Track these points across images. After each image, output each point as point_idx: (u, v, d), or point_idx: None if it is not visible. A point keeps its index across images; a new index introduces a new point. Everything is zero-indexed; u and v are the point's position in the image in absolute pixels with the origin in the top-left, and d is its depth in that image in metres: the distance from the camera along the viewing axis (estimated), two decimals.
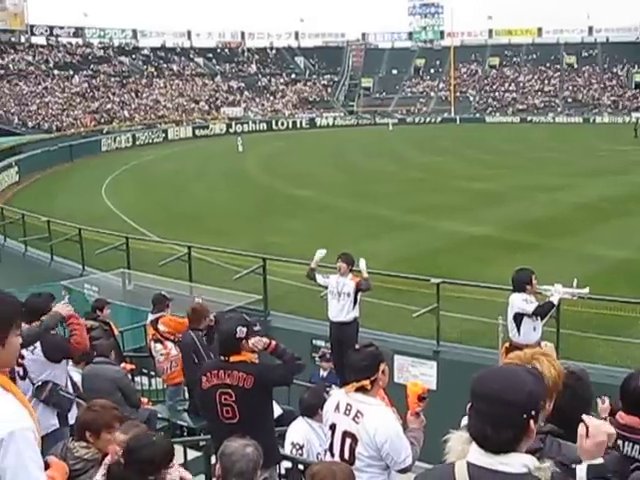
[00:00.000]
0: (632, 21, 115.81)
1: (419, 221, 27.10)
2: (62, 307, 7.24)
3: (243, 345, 6.10)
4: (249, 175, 45.13)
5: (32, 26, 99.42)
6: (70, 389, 7.43)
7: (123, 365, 9.71)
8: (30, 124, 74.22)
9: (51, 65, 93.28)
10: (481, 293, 13.99)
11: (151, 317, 11.07)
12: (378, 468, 5.07)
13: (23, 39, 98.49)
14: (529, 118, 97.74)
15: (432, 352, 12.89)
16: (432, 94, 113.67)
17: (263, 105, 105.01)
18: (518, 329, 9.99)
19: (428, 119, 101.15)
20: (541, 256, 19.90)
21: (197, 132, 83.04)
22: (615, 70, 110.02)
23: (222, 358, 6.15)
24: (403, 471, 5.09)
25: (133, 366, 10.71)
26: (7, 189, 42.44)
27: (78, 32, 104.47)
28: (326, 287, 12.10)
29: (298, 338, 13.39)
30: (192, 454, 7.43)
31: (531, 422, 2.68)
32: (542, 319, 10.10)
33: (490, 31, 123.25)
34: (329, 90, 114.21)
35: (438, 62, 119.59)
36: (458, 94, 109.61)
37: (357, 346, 5.28)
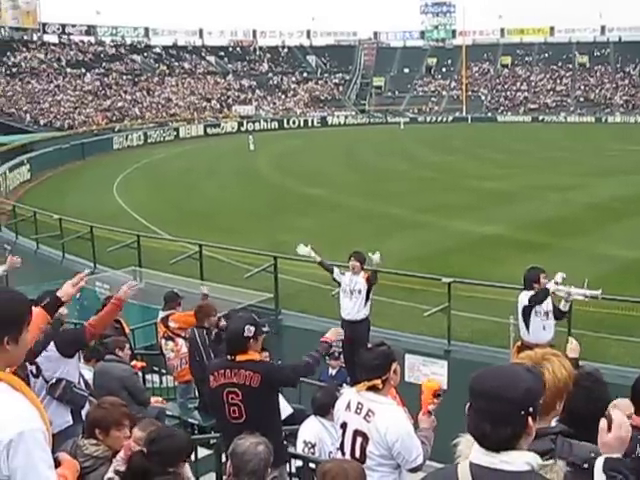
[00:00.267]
0: None
1: (431, 220, 27.06)
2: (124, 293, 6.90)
3: (250, 344, 6.09)
4: (260, 173, 45.14)
5: (44, 24, 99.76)
6: (83, 386, 7.45)
7: (133, 363, 9.71)
8: (42, 122, 74.41)
9: (63, 63, 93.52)
10: (492, 292, 13.94)
11: (162, 314, 11.09)
12: (389, 467, 5.06)
13: (35, 37, 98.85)
14: (541, 117, 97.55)
15: (443, 351, 12.86)
16: (444, 93, 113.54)
17: (275, 104, 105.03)
18: (527, 327, 10.11)
19: (440, 118, 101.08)
20: (552, 256, 19.82)
21: (208, 130, 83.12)
22: (627, 69, 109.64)
23: (229, 357, 6.13)
24: (414, 470, 5.08)
25: (143, 364, 10.73)
26: (19, 187, 42.58)
27: (90, 30, 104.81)
28: (339, 283, 12.14)
29: (309, 336, 13.34)
30: (202, 452, 7.43)
31: (529, 419, 2.71)
32: (557, 318, 10.14)
33: (502, 30, 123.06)
34: (341, 89, 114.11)
35: (450, 61, 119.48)
36: (470, 93, 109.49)
37: (369, 345, 5.27)
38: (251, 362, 6.06)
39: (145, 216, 29.54)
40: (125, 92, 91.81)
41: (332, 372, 11.52)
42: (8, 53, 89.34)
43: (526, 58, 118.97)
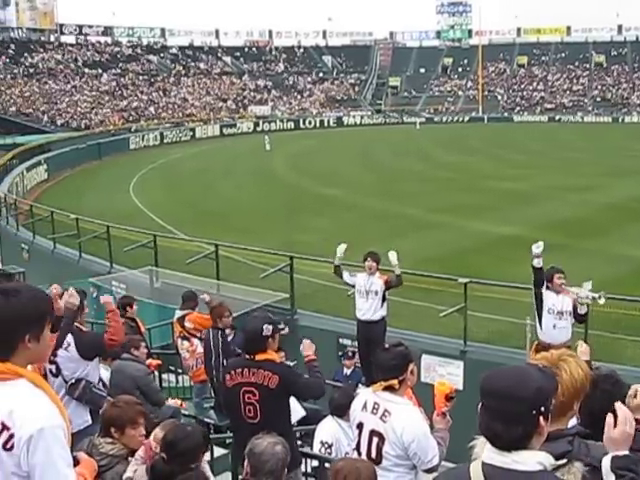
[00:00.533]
0: None
1: (447, 220, 27.02)
2: (106, 298, 7.38)
3: (269, 343, 6.09)
4: (276, 174, 45.19)
5: (61, 25, 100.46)
6: (101, 386, 7.48)
7: (149, 362, 9.72)
8: (59, 122, 74.77)
9: (80, 64, 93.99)
10: (509, 293, 13.88)
11: (178, 314, 11.11)
12: (405, 467, 5.05)
13: (53, 38, 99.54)
14: (557, 117, 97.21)
15: (459, 352, 12.82)
16: (460, 93, 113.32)
17: (290, 104, 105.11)
18: (540, 324, 10.23)
19: (456, 118, 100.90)
20: (570, 256, 19.68)
21: (224, 131, 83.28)
22: None
23: (247, 356, 6.13)
24: (430, 471, 5.05)
25: (159, 362, 10.74)
26: (36, 187, 42.80)
27: (107, 31, 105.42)
28: (352, 286, 11.93)
29: (325, 336, 13.37)
30: (218, 451, 7.45)
31: (541, 418, 2.72)
32: (578, 321, 10.16)
33: (518, 30, 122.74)
34: (356, 89, 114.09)
35: (466, 61, 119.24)
36: (486, 93, 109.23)
37: (386, 345, 5.25)
38: (271, 362, 6.07)
39: (161, 216, 29.64)
40: (141, 92, 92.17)
41: (347, 372, 11.51)
42: (26, 54, 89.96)
43: (543, 58, 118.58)
